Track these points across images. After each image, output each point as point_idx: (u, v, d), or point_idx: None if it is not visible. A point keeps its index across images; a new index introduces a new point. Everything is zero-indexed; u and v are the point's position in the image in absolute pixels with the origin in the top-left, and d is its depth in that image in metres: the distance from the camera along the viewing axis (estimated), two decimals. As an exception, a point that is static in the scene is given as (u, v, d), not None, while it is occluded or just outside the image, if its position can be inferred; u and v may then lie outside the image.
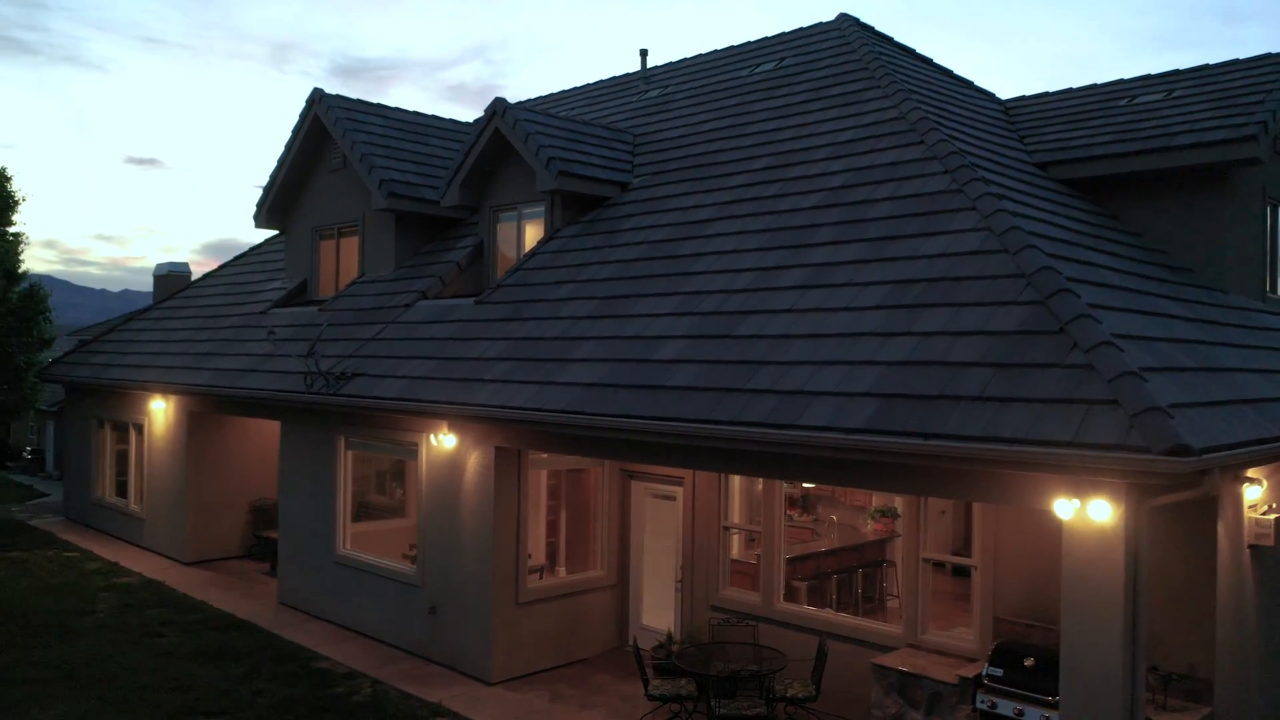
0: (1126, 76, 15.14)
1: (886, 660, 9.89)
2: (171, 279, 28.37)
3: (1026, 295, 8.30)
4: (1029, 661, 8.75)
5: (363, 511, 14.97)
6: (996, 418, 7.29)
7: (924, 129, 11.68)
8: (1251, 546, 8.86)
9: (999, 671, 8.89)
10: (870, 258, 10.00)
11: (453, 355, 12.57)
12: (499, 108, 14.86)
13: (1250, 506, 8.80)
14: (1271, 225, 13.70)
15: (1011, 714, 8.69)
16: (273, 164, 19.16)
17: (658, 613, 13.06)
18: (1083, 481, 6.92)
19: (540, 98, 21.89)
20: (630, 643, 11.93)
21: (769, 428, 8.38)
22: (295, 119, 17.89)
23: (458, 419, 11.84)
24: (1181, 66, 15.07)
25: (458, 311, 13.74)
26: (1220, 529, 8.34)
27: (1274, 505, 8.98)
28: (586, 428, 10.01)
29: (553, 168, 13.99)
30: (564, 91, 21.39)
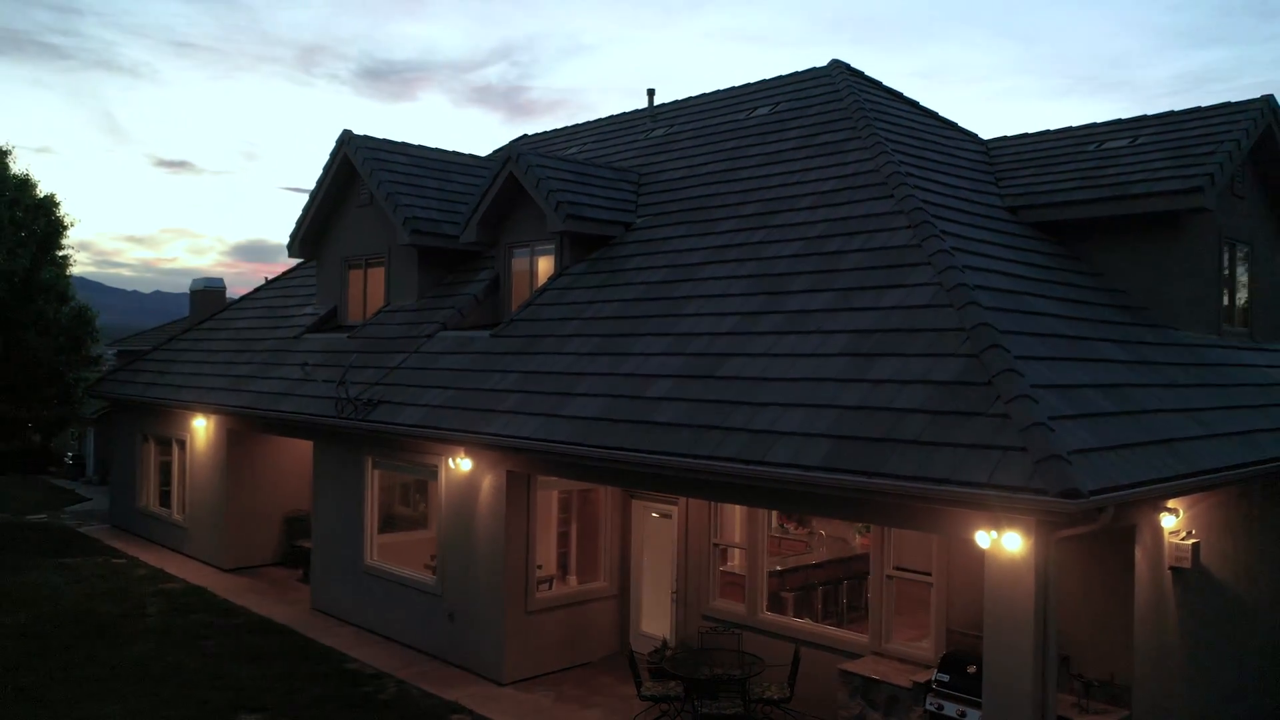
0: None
1: (852, 666, 11.09)
2: (207, 294, 29.90)
3: (965, 348, 9.47)
4: (971, 669, 9.89)
5: (388, 522, 16.27)
6: (929, 459, 8.47)
7: (894, 183, 12.84)
8: (1172, 568, 9.97)
9: (946, 677, 10.06)
10: (838, 307, 11.19)
11: (469, 386, 13.84)
12: (513, 153, 16.14)
13: (1171, 533, 9.91)
14: (1230, 262, 14.76)
15: (955, 715, 9.85)
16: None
17: (655, 620, 14.28)
18: (998, 516, 8.09)
19: (556, 130, 23.18)
20: (634, 650, 13.16)
21: (739, 463, 9.59)
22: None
23: (473, 445, 13.12)
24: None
25: (475, 343, 15.02)
26: (1138, 553, 9.48)
27: (1193, 532, 10.09)
28: (586, 458, 11.26)
29: (562, 211, 15.25)
30: (577, 125, 22.66)
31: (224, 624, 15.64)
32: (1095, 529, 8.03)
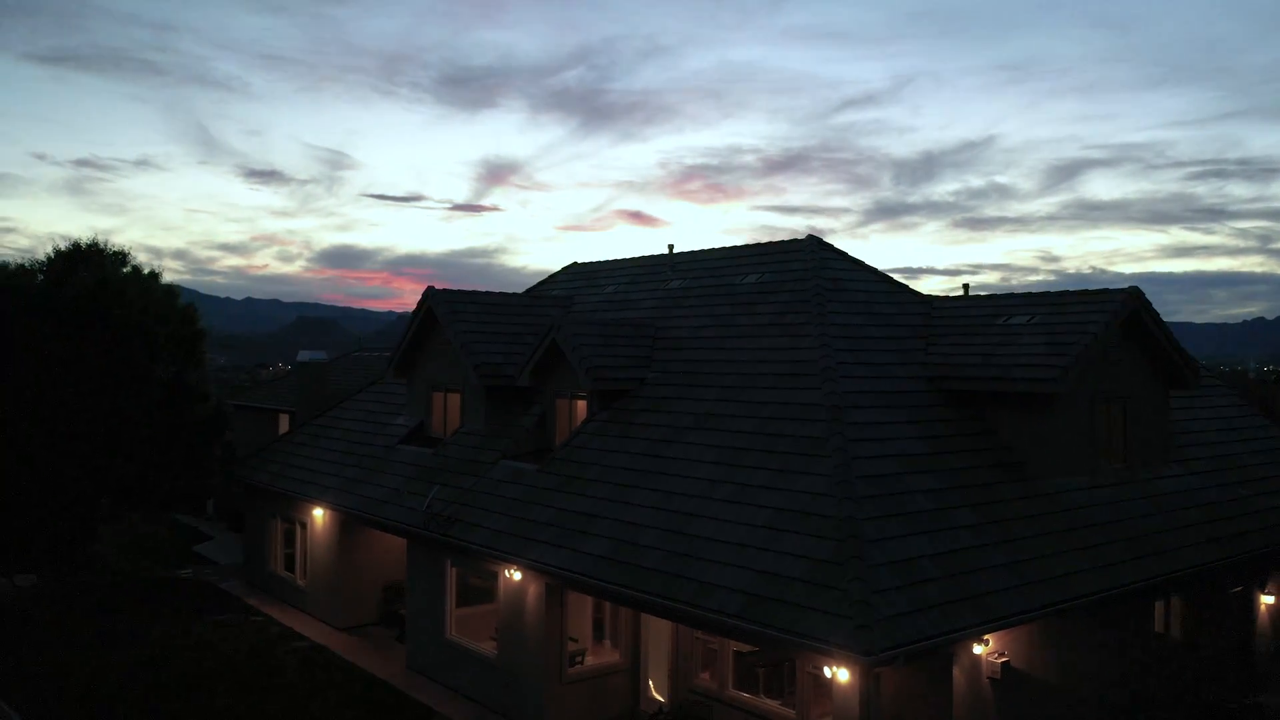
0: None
1: (779, 735, 15.89)
2: (311, 366, 35.64)
3: (837, 534, 14.17)
4: (849, 744, 14.59)
5: (465, 593, 21.15)
6: (800, 617, 13.21)
7: (825, 376, 17.53)
8: (989, 678, 14.56)
9: (834, 749, 14.77)
10: (770, 485, 15.94)
11: (519, 515, 18.89)
12: (555, 323, 21.19)
13: (987, 654, 14.48)
14: (1107, 414, 19.02)
15: (837, 775, 14.57)
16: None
17: (659, 687, 19.18)
18: (836, 659, 12.80)
19: (600, 263, 28.30)
20: (640, 708, 18.08)
21: (688, 605, 14.44)
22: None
23: (520, 565, 18.15)
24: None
25: (525, 476, 20.09)
26: (956, 671, 14.11)
27: (1004, 652, 14.65)
28: (594, 588, 16.22)
29: (590, 375, 20.26)
30: (616, 261, 27.74)
31: (344, 679, 20.94)
32: (893, 667, 12.73)
